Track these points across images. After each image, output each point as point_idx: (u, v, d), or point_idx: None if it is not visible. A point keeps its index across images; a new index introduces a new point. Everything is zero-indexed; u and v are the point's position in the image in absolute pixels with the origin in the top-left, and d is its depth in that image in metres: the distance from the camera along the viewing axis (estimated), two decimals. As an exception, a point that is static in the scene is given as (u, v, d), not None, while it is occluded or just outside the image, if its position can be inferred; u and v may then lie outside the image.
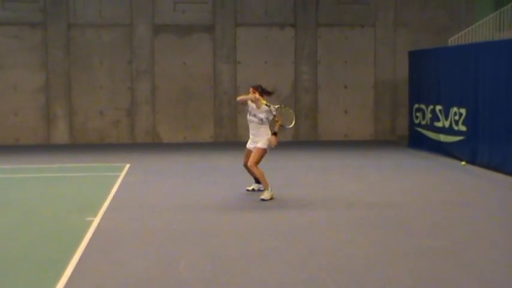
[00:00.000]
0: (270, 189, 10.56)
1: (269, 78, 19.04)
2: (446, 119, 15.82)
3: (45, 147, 18.57)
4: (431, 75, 16.79)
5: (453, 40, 18.37)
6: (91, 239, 8.05)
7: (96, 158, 16.24)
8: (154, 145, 19.16)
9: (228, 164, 14.84)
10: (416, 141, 17.69)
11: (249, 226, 8.88)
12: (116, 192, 11.26)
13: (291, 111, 11.12)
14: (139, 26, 19.51)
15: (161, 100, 19.69)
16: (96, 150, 17.77)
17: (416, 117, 17.70)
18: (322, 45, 19.99)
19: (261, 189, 10.85)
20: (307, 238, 8.21)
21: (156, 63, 19.63)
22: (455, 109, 15.39)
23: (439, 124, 16.27)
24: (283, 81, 19.75)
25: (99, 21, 19.42)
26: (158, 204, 10.35)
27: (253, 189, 11.19)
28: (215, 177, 12.97)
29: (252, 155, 10.65)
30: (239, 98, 11.27)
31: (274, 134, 10.72)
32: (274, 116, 10.73)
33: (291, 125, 11.02)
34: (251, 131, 10.80)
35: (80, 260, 7.17)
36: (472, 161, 14.46)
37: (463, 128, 15.03)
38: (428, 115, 16.87)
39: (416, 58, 18.12)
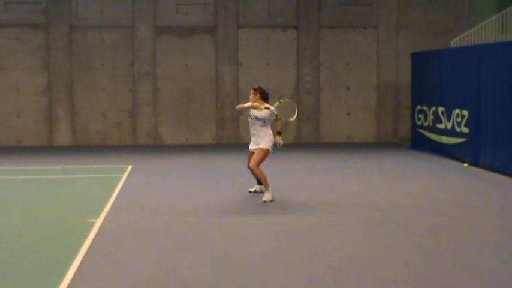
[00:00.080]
0: (270, 189, 10.56)
1: (271, 80, 19.05)
2: (449, 120, 15.80)
3: (48, 149, 18.58)
4: (434, 77, 16.77)
5: (456, 42, 18.35)
6: (93, 241, 8.05)
7: (98, 160, 16.24)
8: (156, 147, 19.15)
9: (230, 165, 14.83)
10: (419, 143, 17.67)
11: (251, 228, 8.87)
12: (118, 194, 11.25)
13: (288, 100, 10.98)
14: (141, 27, 19.52)
15: (163, 102, 19.70)
16: (98, 152, 17.77)
17: (419, 119, 17.69)
18: (324, 47, 19.98)
19: (263, 190, 10.83)
20: (308, 239, 8.20)
21: (158, 65, 19.63)
22: (457, 111, 15.37)
23: (441, 126, 16.25)
24: (285, 83, 19.73)
25: (101, 23, 19.43)
26: (160, 206, 10.34)
27: (255, 191, 11.17)
28: (217, 179, 12.95)
29: (254, 155, 10.63)
30: (238, 107, 11.22)
31: (279, 133, 10.70)
32: (277, 115, 10.69)
33: (295, 116, 10.82)
34: (252, 133, 10.76)
35: (81, 261, 7.16)
36: (474, 163, 14.44)
37: (465, 130, 15.01)
38: (431, 117, 16.85)
39: (418, 60, 18.11)
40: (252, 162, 10.62)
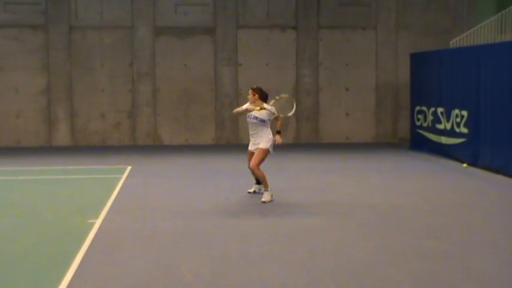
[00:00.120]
0: (269, 190, 10.57)
1: (270, 81, 19.06)
2: (448, 121, 15.81)
3: (47, 150, 18.57)
4: (433, 78, 16.78)
5: (455, 42, 18.36)
6: (92, 241, 8.05)
7: (98, 160, 16.24)
8: (156, 147, 19.15)
9: (229, 166, 14.84)
10: (418, 144, 17.68)
11: (250, 228, 8.87)
12: (117, 195, 11.25)
13: (283, 95, 10.96)
14: (140, 28, 19.52)
15: (162, 102, 19.70)
16: (97, 153, 17.77)
17: (418, 120, 17.69)
18: (324, 48, 19.99)
19: (262, 190, 10.82)
20: (308, 239, 8.20)
21: (157, 66, 19.63)
22: (457, 111, 15.38)
23: (440, 126, 16.26)
24: (284, 84, 19.73)
25: (100, 24, 19.44)
26: (159, 206, 10.34)
27: (254, 191, 11.18)
28: (216, 180, 12.96)
29: (254, 156, 10.62)
30: (235, 111, 11.20)
31: (278, 132, 10.69)
32: (277, 115, 10.68)
33: (293, 110, 10.75)
34: (251, 133, 10.75)
35: (81, 262, 7.16)
36: (473, 163, 14.45)
37: (464, 130, 15.02)
38: (430, 117, 16.86)
39: (417, 60, 18.11)
40: (253, 162, 10.62)
